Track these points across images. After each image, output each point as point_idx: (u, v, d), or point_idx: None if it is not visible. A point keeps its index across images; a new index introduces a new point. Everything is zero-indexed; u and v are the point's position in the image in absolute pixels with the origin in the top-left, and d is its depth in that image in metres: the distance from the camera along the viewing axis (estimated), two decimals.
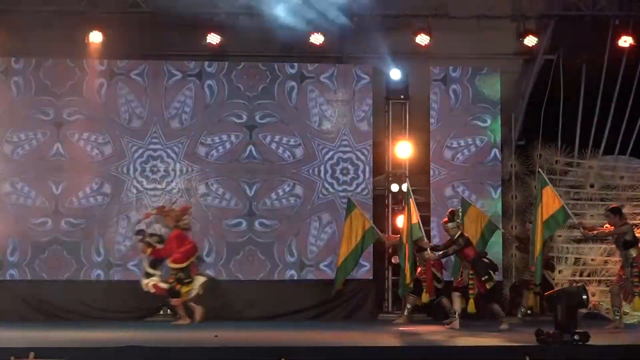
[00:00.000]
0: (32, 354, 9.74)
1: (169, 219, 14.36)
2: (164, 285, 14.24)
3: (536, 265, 12.84)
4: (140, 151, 15.41)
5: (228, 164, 15.48)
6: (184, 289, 14.06)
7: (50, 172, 15.23)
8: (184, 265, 14.04)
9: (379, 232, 14.58)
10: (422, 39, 15.50)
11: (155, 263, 14.37)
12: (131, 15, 15.21)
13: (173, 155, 15.42)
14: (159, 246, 14.28)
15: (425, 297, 14.17)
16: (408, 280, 13.41)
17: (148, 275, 14.14)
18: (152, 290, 14.18)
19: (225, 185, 15.43)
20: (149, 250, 14.27)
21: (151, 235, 14.46)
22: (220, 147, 15.53)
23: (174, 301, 14.31)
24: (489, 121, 15.88)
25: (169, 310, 15.09)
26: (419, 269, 14.10)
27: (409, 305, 14.39)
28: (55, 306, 14.96)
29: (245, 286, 15.29)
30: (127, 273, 15.18)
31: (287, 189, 15.47)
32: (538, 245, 12.71)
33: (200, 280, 14.23)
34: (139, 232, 14.57)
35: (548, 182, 13.10)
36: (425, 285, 14.17)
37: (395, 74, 15.91)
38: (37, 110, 15.27)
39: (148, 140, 15.42)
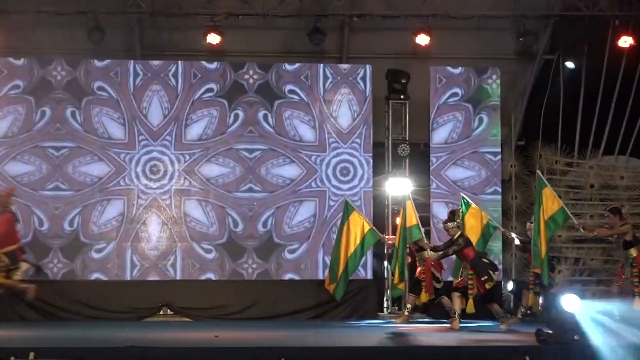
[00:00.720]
0: (32, 354, 9.70)
1: None
2: None
3: (542, 267, 12.76)
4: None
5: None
6: (13, 275, 13.22)
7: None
8: (13, 248, 13.24)
9: (379, 234, 14.54)
10: (422, 39, 15.53)
11: None
12: (131, 15, 15.26)
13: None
14: None
15: (424, 297, 14.10)
16: (396, 281, 13.46)
17: None
18: None
19: None
20: None
21: None
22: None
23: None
24: (489, 121, 15.90)
25: (169, 311, 15.16)
26: (418, 269, 14.07)
27: (408, 305, 14.36)
28: (55, 306, 14.97)
29: (245, 286, 15.33)
30: (126, 273, 15.27)
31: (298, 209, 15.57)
32: (543, 247, 12.68)
33: (24, 266, 13.45)
34: None
35: (547, 183, 13.09)
36: (424, 285, 14.09)
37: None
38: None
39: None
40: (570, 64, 15.64)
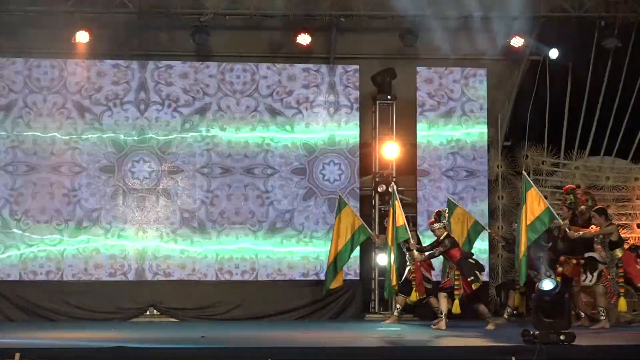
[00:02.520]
0: (17, 355, 9.66)
1: None
2: None
3: (520, 266, 12.79)
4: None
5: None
6: None
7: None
8: None
9: (370, 231, 14.58)
10: (409, 40, 15.52)
11: None
12: (118, 15, 15.14)
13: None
14: None
15: (414, 296, 14.11)
16: (393, 282, 13.45)
17: None
18: None
19: None
20: None
21: None
22: None
23: None
24: (474, 122, 15.89)
25: (155, 311, 15.16)
26: (407, 268, 14.10)
27: (398, 306, 14.37)
28: (41, 307, 14.94)
29: (232, 286, 15.30)
30: (112, 273, 15.22)
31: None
32: (522, 248, 12.69)
33: None
34: None
35: (532, 184, 13.08)
36: (415, 285, 14.13)
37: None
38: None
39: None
40: (553, 53, 15.51)
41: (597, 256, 13.41)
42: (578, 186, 14.28)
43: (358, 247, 14.82)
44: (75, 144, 15.27)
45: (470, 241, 14.29)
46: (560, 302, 10.62)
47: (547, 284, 10.61)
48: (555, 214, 12.93)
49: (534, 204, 12.81)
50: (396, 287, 13.65)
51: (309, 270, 15.40)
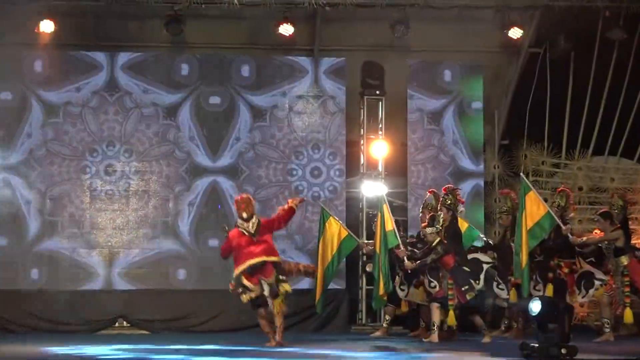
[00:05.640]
0: None
1: None
2: None
3: (523, 278, 12.75)
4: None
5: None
6: None
7: None
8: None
9: (357, 239, 14.57)
10: (399, 31, 15.47)
11: None
12: (85, 3, 15.19)
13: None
14: None
15: (405, 307, 14.14)
16: (382, 292, 13.36)
17: None
18: None
19: None
20: None
21: None
22: None
23: None
24: (470, 119, 15.95)
25: (125, 323, 15.17)
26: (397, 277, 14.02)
27: (387, 317, 14.37)
28: (2, 318, 14.95)
29: (209, 295, 15.24)
30: (78, 282, 15.19)
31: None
32: (524, 257, 12.66)
33: None
34: None
35: (531, 187, 13.07)
36: None
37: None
38: None
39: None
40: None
41: (595, 271, 13.36)
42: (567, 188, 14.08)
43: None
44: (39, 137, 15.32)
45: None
46: (555, 313, 10.51)
47: (536, 306, 10.58)
48: (556, 219, 12.89)
49: (533, 208, 12.79)
50: (385, 297, 13.55)
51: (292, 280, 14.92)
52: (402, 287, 13.86)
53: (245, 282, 12.33)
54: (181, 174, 15.59)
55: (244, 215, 12.40)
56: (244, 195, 12.74)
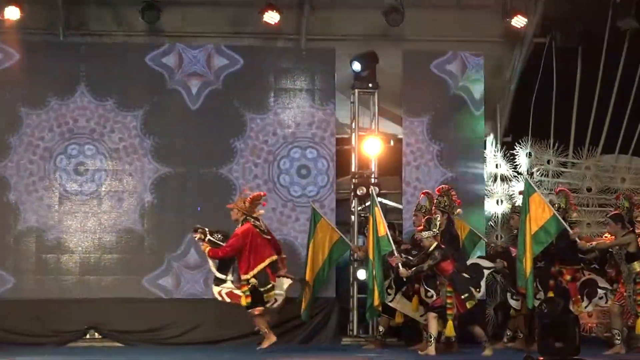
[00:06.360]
0: None
1: None
2: None
3: (527, 287, 12.70)
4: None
5: None
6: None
7: None
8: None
9: (350, 243, 14.60)
10: (394, 19, 15.38)
11: None
12: None
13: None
14: None
15: (399, 318, 14.06)
16: (377, 302, 13.26)
17: None
18: None
19: None
20: None
21: None
22: None
23: None
24: (470, 114, 15.76)
25: (96, 334, 15.07)
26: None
27: (381, 328, 14.31)
28: None
29: (188, 305, 15.18)
30: (45, 291, 15.05)
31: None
32: (528, 264, 12.64)
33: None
34: None
35: (535, 188, 13.07)
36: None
37: None
38: None
39: None
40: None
41: (598, 279, 13.31)
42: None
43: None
44: (0, 136, 15.25)
45: (466, 252, 14.21)
46: (565, 322, 10.66)
47: None
48: (563, 222, 12.84)
49: (538, 212, 12.77)
50: (379, 308, 13.46)
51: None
52: (389, 290, 13.79)
53: (271, 280, 13.25)
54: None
55: (261, 211, 13.38)
56: (263, 193, 13.68)
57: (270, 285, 13.20)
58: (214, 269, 13.56)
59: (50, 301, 14.90)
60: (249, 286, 13.07)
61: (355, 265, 15.43)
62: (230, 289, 13.49)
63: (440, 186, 13.83)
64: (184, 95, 15.41)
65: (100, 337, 14.97)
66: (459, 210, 13.60)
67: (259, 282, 13.12)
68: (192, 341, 14.82)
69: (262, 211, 13.36)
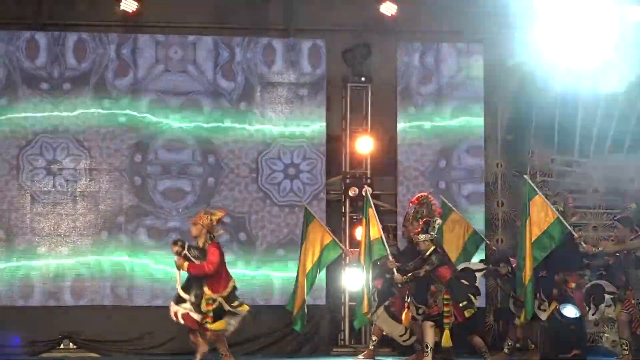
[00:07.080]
0: None
1: None
2: None
3: (526, 295, 12.58)
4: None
5: None
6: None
7: None
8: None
9: (342, 246, 14.36)
10: (388, 9, 15.51)
11: None
12: None
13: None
14: None
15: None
16: (365, 309, 13.12)
17: None
18: None
19: None
20: None
21: None
22: None
23: None
24: (469, 110, 15.66)
25: (71, 344, 14.97)
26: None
27: (374, 337, 14.18)
28: None
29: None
30: (17, 298, 14.93)
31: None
32: (528, 271, 12.55)
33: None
34: None
35: (537, 190, 12.95)
36: (394, 311, 13.97)
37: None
38: None
39: None
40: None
41: (604, 283, 13.22)
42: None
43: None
44: None
45: (467, 255, 14.16)
46: (577, 334, 10.22)
47: (570, 311, 9.88)
48: (567, 226, 12.77)
49: (540, 215, 12.69)
50: (369, 316, 13.33)
51: (266, 294, 15.22)
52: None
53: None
54: None
55: (221, 231, 12.80)
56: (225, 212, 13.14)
57: (237, 302, 12.69)
58: (178, 287, 12.97)
59: (22, 309, 14.76)
60: (214, 305, 12.56)
61: (347, 271, 15.30)
62: (187, 311, 12.89)
63: (419, 194, 13.48)
64: None
65: (75, 347, 14.89)
66: (438, 221, 13.09)
67: (227, 301, 12.63)
68: (172, 351, 14.62)
69: (222, 231, 12.75)
